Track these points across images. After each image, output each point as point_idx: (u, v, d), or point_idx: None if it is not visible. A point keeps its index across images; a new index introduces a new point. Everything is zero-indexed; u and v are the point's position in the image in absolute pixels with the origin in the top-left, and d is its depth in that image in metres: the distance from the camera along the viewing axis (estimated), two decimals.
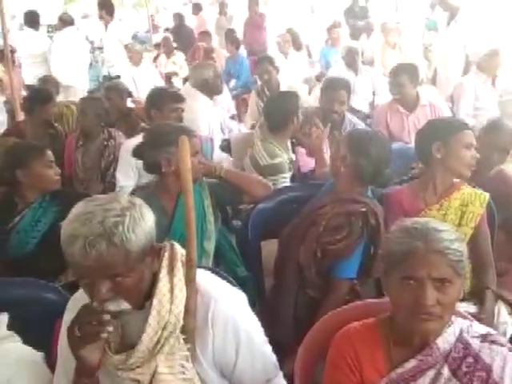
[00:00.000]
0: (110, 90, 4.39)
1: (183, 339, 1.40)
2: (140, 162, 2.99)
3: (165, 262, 1.42)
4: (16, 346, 1.53)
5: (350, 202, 2.15)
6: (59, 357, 1.50)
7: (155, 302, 1.37)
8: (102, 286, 1.28)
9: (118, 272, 1.28)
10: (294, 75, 6.03)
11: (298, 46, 6.88)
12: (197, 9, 9.84)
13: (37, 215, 2.51)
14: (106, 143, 3.64)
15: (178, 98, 3.25)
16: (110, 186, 3.54)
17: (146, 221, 1.32)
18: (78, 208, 1.30)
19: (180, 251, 1.47)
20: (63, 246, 1.28)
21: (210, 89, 4.13)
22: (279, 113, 3.07)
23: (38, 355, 1.54)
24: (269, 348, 1.56)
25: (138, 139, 3.15)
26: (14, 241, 2.48)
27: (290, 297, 2.15)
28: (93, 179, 3.64)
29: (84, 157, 3.69)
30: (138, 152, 2.39)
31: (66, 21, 6.45)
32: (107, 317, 1.29)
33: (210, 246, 2.32)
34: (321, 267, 2.13)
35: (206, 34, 7.39)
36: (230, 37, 6.93)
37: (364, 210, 2.11)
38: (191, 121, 3.82)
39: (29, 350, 1.54)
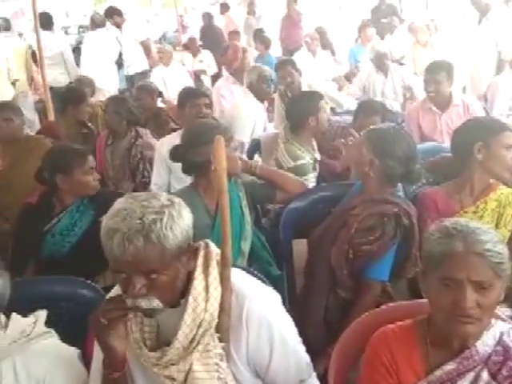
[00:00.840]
0: (141, 90, 4.44)
1: (217, 338, 1.41)
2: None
3: (200, 261, 1.42)
4: (53, 343, 1.55)
5: (382, 202, 2.12)
6: (95, 354, 1.51)
7: (190, 299, 1.37)
8: (137, 282, 1.29)
9: (153, 268, 1.29)
10: (322, 74, 6.00)
11: (324, 44, 6.84)
12: (224, 8, 9.87)
13: (74, 219, 2.51)
14: (133, 141, 3.65)
15: (198, 95, 3.30)
16: (141, 184, 3.57)
17: (184, 219, 1.33)
18: (119, 203, 1.32)
19: (215, 250, 1.47)
20: (103, 239, 1.30)
21: (255, 92, 4.16)
22: (297, 113, 3.08)
23: (75, 352, 1.55)
24: (302, 348, 1.55)
25: (170, 138, 3.22)
26: (48, 243, 2.49)
27: (321, 298, 2.14)
28: (123, 178, 3.67)
29: (113, 155, 3.73)
30: (176, 154, 2.40)
31: (97, 22, 6.55)
32: (129, 302, 1.31)
33: (247, 246, 2.33)
34: (353, 268, 2.11)
35: (235, 34, 7.38)
36: (259, 36, 6.93)
37: (397, 210, 2.08)
38: (238, 119, 3.87)
39: (66, 347, 1.55)
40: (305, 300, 2.20)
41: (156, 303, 1.32)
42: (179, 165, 2.42)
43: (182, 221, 1.32)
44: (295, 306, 2.22)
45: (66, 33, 10.82)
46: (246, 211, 2.35)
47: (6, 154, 3.36)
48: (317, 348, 1.89)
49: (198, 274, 1.40)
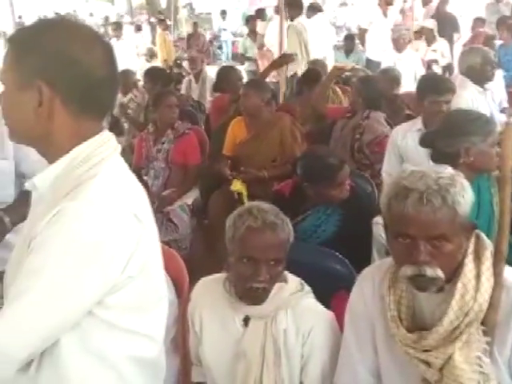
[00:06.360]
0: (381, 75, 4.44)
1: (482, 331, 1.35)
2: (405, 149, 2.99)
3: (471, 248, 1.38)
4: (316, 302, 1.67)
5: None
6: (349, 330, 1.55)
7: (459, 285, 1.34)
8: (424, 247, 1.30)
9: (442, 233, 1.30)
10: None
11: None
12: None
13: (319, 220, 2.39)
14: (360, 122, 3.62)
15: (440, 90, 3.02)
16: (362, 166, 3.52)
17: (470, 194, 1.34)
18: (405, 171, 1.36)
19: (487, 241, 1.41)
20: (390, 202, 1.33)
21: (477, 76, 3.88)
22: None
23: (333, 316, 1.65)
24: None
25: (405, 126, 3.15)
26: None
27: None
28: (344, 155, 3.64)
29: (342, 131, 3.75)
30: (427, 140, 2.33)
31: (315, 8, 6.73)
32: (410, 270, 1.32)
33: None
34: None
35: (480, 21, 6.85)
36: (505, 24, 6.34)
37: None
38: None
39: (325, 309, 1.67)
40: None
41: (440, 273, 1.31)
42: (415, 154, 2.31)
43: (469, 194, 1.33)
44: None
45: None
46: (497, 209, 2.19)
47: (252, 126, 3.66)
48: None
49: (469, 261, 1.37)
